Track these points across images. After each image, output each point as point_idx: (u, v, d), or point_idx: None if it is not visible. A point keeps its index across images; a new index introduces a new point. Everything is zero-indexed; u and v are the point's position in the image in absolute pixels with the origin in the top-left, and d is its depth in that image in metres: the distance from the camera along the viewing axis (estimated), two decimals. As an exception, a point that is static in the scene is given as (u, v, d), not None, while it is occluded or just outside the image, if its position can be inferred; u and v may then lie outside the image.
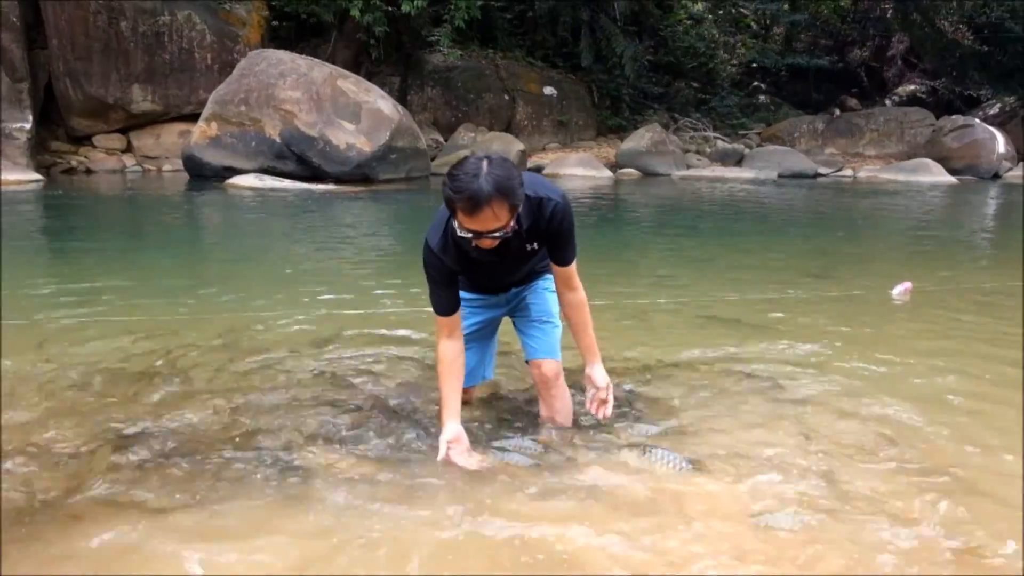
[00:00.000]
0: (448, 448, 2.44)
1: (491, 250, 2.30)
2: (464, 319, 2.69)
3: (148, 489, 2.31)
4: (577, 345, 2.64)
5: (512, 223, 2.20)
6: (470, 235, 2.19)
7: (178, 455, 2.54)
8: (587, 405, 2.67)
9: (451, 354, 2.51)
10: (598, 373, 2.62)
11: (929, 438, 2.75)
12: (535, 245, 2.43)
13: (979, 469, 2.51)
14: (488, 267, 2.49)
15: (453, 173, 2.13)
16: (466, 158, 2.20)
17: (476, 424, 2.82)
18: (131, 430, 2.73)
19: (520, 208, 2.22)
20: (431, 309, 2.50)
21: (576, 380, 2.88)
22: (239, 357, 3.57)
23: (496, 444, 2.64)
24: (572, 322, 2.61)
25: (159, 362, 3.48)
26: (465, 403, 2.93)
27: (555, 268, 2.52)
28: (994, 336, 4.16)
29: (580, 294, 2.57)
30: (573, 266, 2.52)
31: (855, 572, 1.94)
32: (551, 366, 2.71)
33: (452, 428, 2.47)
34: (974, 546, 2.06)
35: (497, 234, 2.19)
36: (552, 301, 2.72)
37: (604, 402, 2.61)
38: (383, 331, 4.02)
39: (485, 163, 2.13)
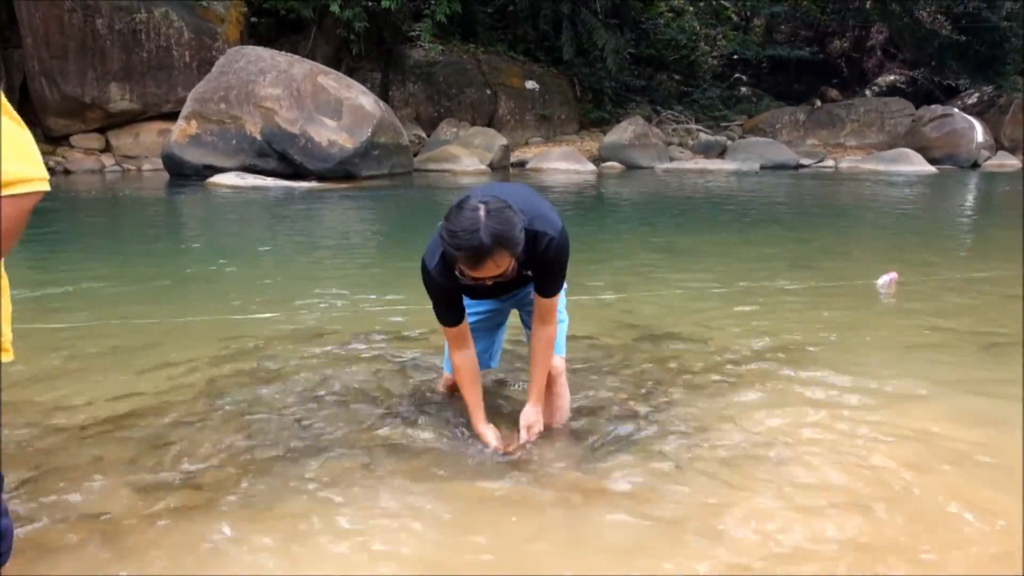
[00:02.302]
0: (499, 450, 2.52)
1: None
2: (468, 307, 2.67)
3: (161, 491, 2.28)
4: (530, 378, 2.60)
5: (513, 265, 2.16)
6: (475, 282, 2.17)
7: (175, 456, 2.50)
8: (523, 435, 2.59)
9: (468, 363, 2.52)
10: (533, 414, 2.58)
11: (918, 426, 2.76)
12: (530, 272, 2.39)
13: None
14: (484, 290, 2.42)
15: (452, 230, 2.07)
16: (461, 206, 2.11)
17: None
18: (134, 430, 2.69)
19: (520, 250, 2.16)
20: (409, 307, 2.47)
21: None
22: (226, 360, 3.53)
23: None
24: (535, 354, 2.56)
25: (149, 366, 3.44)
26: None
27: (536, 298, 2.48)
28: (983, 324, 4.18)
29: (553, 329, 2.54)
30: (555, 300, 2.49)
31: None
32: (556, 363, 2.68)
33: (492, 434, 2.56)
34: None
35: (499, 279, 2.17)
36: (559, 296, 2.70)
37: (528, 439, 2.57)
38: (375, 329, 3.99)
39: (483, 213, 2.06)
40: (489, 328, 2.79)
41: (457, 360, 2.52)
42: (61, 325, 4.08)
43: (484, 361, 2.85)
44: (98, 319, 4.21)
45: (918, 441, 2.64)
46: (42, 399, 3.01)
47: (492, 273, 2.12)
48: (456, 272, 2.19)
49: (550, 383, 2.69)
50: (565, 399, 2.77)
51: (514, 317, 2.91)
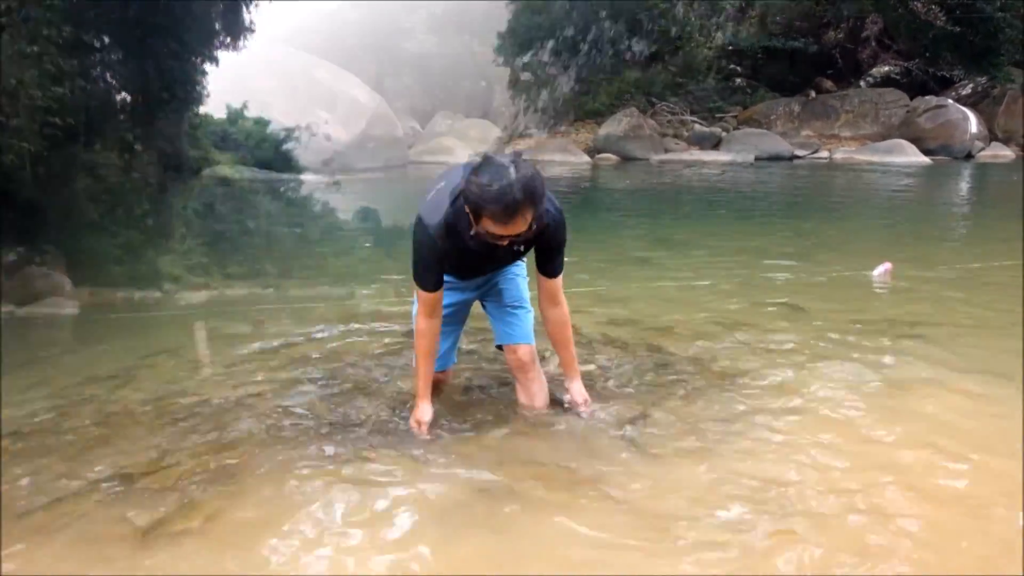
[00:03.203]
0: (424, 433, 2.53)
1: (485, 245, 2.27)
2: None
3: (170, 489, 2.29)
4: (560, 361, 2.75)
5: (535, 225, 2.18)
6: (493, 240, 2.18)
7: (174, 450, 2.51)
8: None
9: (434, 331, 2.53)
10: (578, 389, 2.72)
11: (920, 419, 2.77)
12: (522, 248, 2.44)
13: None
14: (476, 259, 2.47)
15: (484, 184, 2.08)
16: (490, 161, 2.15)
17: (459, 411, 2.82)
18: (139, 430, 2.69)
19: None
20: (402, 298, 2.47)
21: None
22: (222, 352, 3.53)
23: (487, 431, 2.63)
24: (555, 339, 2.68)
25: (150, 360, 3.44)
26: (441, 384, 2.94)
27: (542, 281, 2.56)
28: (981, 315, 4.20)
29: (564, 310, 2.63)
30: (559, 280, 2.55)
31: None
32: (527, 350, 2.72)
33: (429, 410, 2.57)
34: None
35: (517, 239, 2.18)
36: (523, 287, 2.76)
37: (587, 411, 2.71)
38: (367, 320, 3.99)
39: (512, 169, 2.10)
40: (455, 321, 2.81)
41: (424, 325, 2.51)
42: None
43: (451, 357, 2.88)
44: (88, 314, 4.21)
45: (923, 424, 2.66)
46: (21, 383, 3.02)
47: (520, 229, 2.14)
48: (480, 231, 2.17)
49: (525, 369, 2.73)
50: (542, 383, 2.80)
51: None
